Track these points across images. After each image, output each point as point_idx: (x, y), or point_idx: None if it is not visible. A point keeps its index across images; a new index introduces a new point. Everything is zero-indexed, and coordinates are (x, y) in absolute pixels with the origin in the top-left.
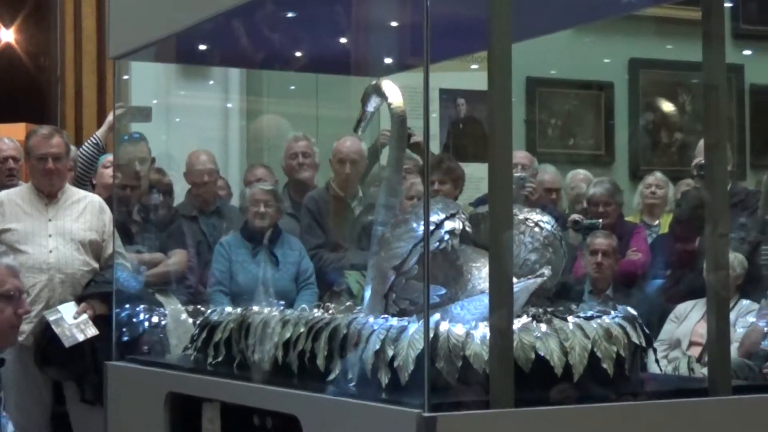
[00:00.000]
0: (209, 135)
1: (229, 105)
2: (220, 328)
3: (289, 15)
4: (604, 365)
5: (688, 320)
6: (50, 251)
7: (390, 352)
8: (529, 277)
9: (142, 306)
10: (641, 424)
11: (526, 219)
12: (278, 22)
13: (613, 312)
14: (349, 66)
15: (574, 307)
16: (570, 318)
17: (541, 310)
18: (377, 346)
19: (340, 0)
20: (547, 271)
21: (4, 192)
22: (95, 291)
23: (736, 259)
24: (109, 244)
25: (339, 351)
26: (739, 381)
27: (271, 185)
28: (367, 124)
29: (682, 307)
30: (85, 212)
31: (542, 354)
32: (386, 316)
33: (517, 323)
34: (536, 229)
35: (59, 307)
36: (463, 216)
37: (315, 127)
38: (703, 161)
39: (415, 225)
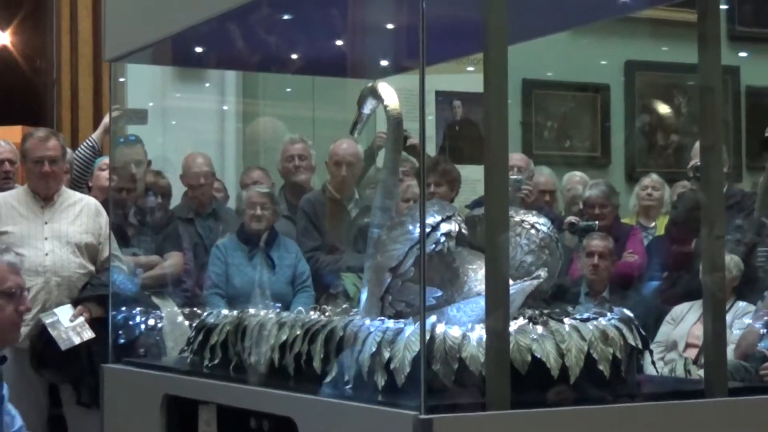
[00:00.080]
0: (205, 137)
1: (225, 107)
2: (216, 331)
3: (285, 17)
4: (601, 367)
5: (685, 322)
6: (46, 254)
7: (386, 354)
8: (526, 279)
9: (138, 308)
10: (638, 426)
11: (522, 221)
12: (274, 25)
13: (609, 314)
14: (345, 68)
15: (570, 309)
16: (566, 320)
17: (537, 312)
18: (374, 349)
19: (336, 2)
20: (543, 273)
21: (0, 195)
22: (91, 294)
23: (732, 260)
24: (105, 247)
25: (335, 353)
26: (735, 383)
27: (267, 188)
28: (363, 127)
29: (678, 309)
30: (81, 215)
31: (538, 356)
32: (382, 318)
33: (514, 325)
34: (532, 231)
35: (55, 310)
36: (459, 218)
37: (311, 129)
38: (699, 163)
39: (411, 227)
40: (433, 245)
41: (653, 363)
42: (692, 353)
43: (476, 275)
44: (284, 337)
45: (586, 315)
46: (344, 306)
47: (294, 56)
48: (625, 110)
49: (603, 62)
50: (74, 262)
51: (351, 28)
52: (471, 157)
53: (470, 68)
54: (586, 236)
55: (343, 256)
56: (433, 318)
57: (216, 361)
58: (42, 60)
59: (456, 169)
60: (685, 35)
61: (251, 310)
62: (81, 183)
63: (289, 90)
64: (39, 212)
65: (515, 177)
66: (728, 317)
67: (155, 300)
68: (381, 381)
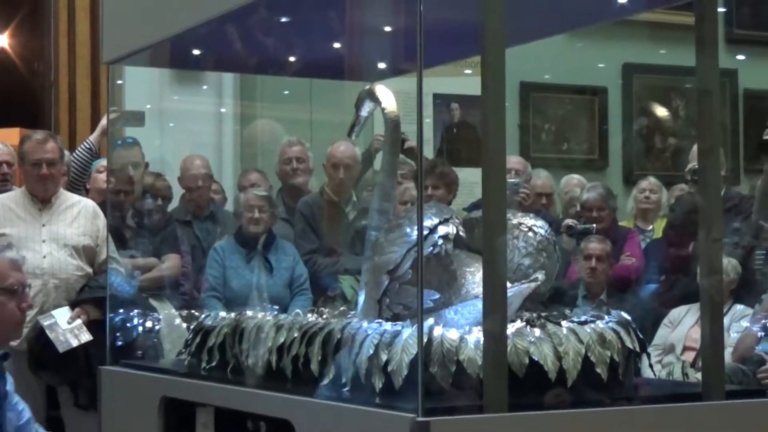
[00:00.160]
0: (203, 140)
1: (223, 110)
2: (213, 333)
3: (283, 20)
4: (598, 370)
5: (682, 325)
6: (44, 256)
7: (384, 357)
8: (523, 281)
9: (135, 311)
10: (635, 428)
11: (520, 224)
12: (272, 27)
13: (606, 317)
14: (342, 71)
15: (567, 311)
16: (564, 323)
17: (534, 314)
18: (371, 351)
19: (334, 5)
20: (540, 275)
21: None
22: (89, 296)
23: (729, 263)
24: (102, 249)
25: (332, 355)
26: (732, 386)
27: (265, 190)
28: (360, 129)
29: (676, 312)
30: (78, 217)
31: (536, 359)
32: (380, 320)
33: (511, 328)
34: (530, 233)
35: (53, 312)
36: (456, 221)
37: (309, 131)
38: (696, 166)
39: (408, 230)
40: (431, 248)
41: (651, 366)
42: (690, 356)
43: (474, 278)
44: (282, 340)
45: (583, 318)
46: (342, 308)
47: (291, 59)
48: (622, 113)
49: (601, 65)
50: (72, 265)
51: (349, 30)
52: (469, 160)
53: (468, 71)
54: (584, 239)
55: (341, 259)
56: (430, 320)
57: (213, 364)
58: (39, 62)
59: (453, 172)
60: (683, 38)
61: (249, 313)
62: (78, 185)
63: (286, 92)
64: (37, 214)
65: (513, 180)
66: (726, 320)
67: (153, 302)
68: (378, 383)
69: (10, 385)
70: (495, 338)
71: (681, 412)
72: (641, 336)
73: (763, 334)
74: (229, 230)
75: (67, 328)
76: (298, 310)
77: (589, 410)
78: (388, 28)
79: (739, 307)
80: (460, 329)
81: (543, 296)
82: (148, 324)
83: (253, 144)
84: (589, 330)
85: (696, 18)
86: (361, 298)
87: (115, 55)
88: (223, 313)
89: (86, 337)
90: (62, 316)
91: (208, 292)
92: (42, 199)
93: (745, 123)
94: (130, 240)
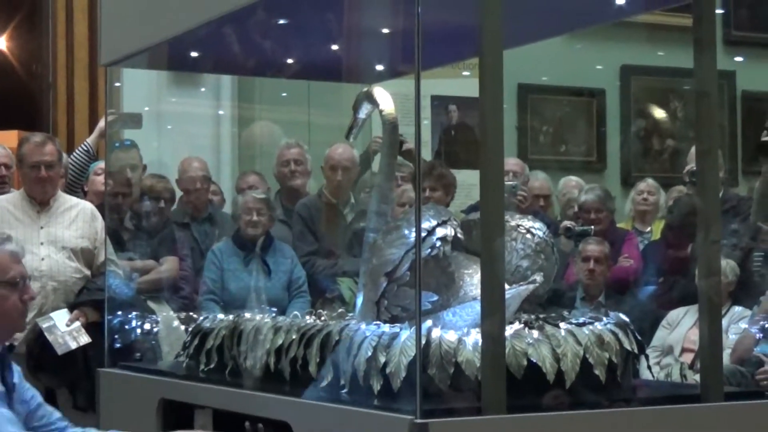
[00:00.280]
0: (201, 142)
1: (221, 112)
2: (212, 335)
3: (281, 22)
4: (596, 372)
5: (681, 326)
6: (42, 259)
7: (382, 359)
8: (521, 283)
9: (134, 313)
10: (634, 430)
11: (518, 225)
12: (270, 29)
13: (605, 318)
14: (340, 73)
15: (566, 313)
16: (562, 324)
17: (533, 316)
18: (369, 353)
19: (332, 7)
20: (539, 277)
21: None
22: (87, 298)
23: (728, 265)
24: (101, 252)
25: (329, 357)
26: (731, 387)
27: (263, 193)
28: (358, 131)
29: (674, 314)
30: (77, 219)
31: (534, 360)
32: (378, 322)
33: (509, 330)
34: (528, 235)
35: (52, 315)
36: (454, 223)
37: (307, 133)
38: (694, 168)
39: (406, 232)
40: (429, 250)
41: (649, 368)
42: (688, 358)
43: (472, 280)
44: (280, 342)
45: (581, 319)
46: (340, 310)
47: (289, 61)
48: (620, 115)
49: (599, 67)
50: (70, 267)
51: (347, 32)
52: (467, 162)
53: (466, 73)
54: (582, 241)
55: (339, 261)
56: (428, 322)
57: (212, 366)
58: (38, 64)
59: (451, 174)
60: (681, 40)
61: (247, 315)
62: (76, 187)
63: (284, 94)
64: (35, 217)
65: (511, 183)
66: (724, 322)
67: (151, 304)
68: (377, 385)
69: (18, 376)
70: (493, 340)
71: (679, 414)
72: (639, 338)
73: (761, 335)
74: (227, 232)
75: (65, 330)
76: (296, 312)
77: (587, 412)
78: (385, 30)
79: (737, 308)
80: (459, 331)
81: (541, 298)
82: (147, 326)
83: (251, 146)
84: (587, 332)
85: (694, 20)
86: (360, 300)
87: (113, 57)
88: (221, 315)
89: (85, 339)
90: (61, 318)
91: (205, 295)
92: (40, 202)
93: (743, 125)
94: (128, 242)
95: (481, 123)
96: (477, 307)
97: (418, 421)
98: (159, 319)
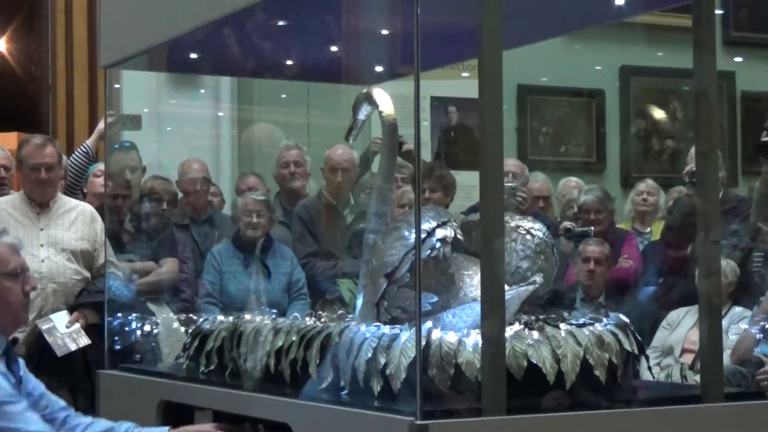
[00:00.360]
0: (200, 143)
1: (220, 113)
2: (212, 337)
3: (280, 23)
4: (597, 372)
5: (681, 327)
6: (42, 261)
7: (382, 360)
8: (521, 284)
9: (134, 315)
10: (634, 431)
11: (518, 226)
12: (269, 31)
13: (605, 319)
14: (340, 74)
15: (566, 314)
16: (562, 325)
17: (533, 317)
18: (369, 354)
19: (331, 8)
20: (538, 278)
21: None
22: (87, 300)
23: (728, 266)
24: (100, 253)
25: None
26: (731, 388)
27: (263, 194)
28: (358, 133)
29: (674, 314)
30: (76, 221)
31: (534, 361)
32: (378, 324)
33: (509, 331)
34: (528, 236)
35: (51, 316)
36: (454, 224)
37: (306, 135)
38: (694, 168)
39: (406, 233)
40: (429, 251)
41: (649, 368)
42: (688, 358)
43: (472, 281)
44: (280, 343)
45: (582, 320)
46: (340, 312)
47: (289, 62)
48: (620, 115)
49: (598, 67)
50: (70, 269)
51: (346, 34)
52: (466, 163)
53: (465, 74)
54: (582, 242)
55: (339, 262)
56: (428, 324)
57: (212, 367)
58: (37, 67)
59: (451, 175)
60: (681, 40)
61: (247, 316)
62: (75, 189)
63: (284, 96)
64: (35, 219)
65: (511, 184)
66: (724, 322)
67: (151, 306)
68: (377, 386)
69: (23, 369)
70: (493, 341)
71: (680, 415)
72: (640, 338)
73: (761, 336)
74: (227, 234)
75: (65, 332)
76: (296, 314)
77: (587, 413)
78: (385, 32)
79: (737, 309)
80: (459, 332)
81: (541, 299)
82: (147, 328)
83: (250, 148)
84: (587, 333)
85: (693, 20)
86: (359, 302)
87: (112, 59)
88: (221, 317)
89: (84, 341)
90: (60, 320)
91: (204, 298)
92: (40, 204)
93: (743, 125)
94: (127, 244)
95: (481, 124)
96: (477, 308)
97: (418, 422)
98: (159, 320)
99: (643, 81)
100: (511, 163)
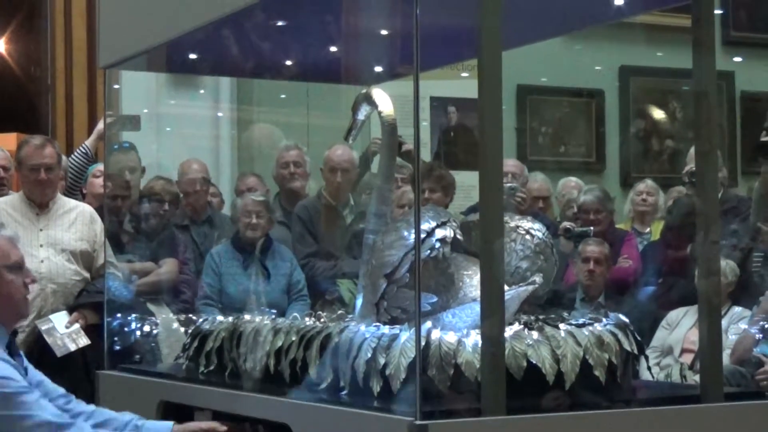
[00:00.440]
0: (200, 144)
1: (220, 114)
2: (211, 337)
3: (280, 24)
4: (596, 372)
5: (680, 327)
6: (41, 261)
7: (381, 360)
8: (521, 284)
9: (133, 315)
10: (633, 431)
11: (518, 227)
12: (268, 31)
13: (604, 319)
14: (339, 74)
15: (565, 314)
16: (562, 325)
17: (532, 317)
18: (369, 355)
19: (331, 9)
20: (538, 278)
21: None
22: (87, 300)
23: (727, 266)
24: (100, 254)
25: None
26: (731, 388)
27: (262, 195)
28: (357, 133)
29: (674, 314)
30: (76, 222)
31: (534, 361)
32: (378, 324)
33: (509, 331)
34: (527, 236)
35: (51, 317)
36: (454, 224)
37: (306, 135)
38: (694, 168)
39: (406, 233)
40: (428, 251)
41: (649, 368)
42: (688, 358)
43: (471, 281)
44: (279, 343)
45: (581, 320)
46: (339, 312)
47: (288, 62)
48: (619, 116)
49: (597, 67)
50: (69, 269)
51: (345, 34)
52: (466, 163)
53: (465, 74)
54: (582, 242)
55: (339, 263)
56: (428, 324)
57: (211, 368)
58: (36, 67)
59: (450, 175)
60: (680, 40)
61: (247, 317)
62: (74, 190)
63: (283, 96)
64: (34, 219)
65: (510, 185)
66: (724, 322)
67: (150, 306)
68: (376, 387)
69: (25, 360)
70: (493, 341)
71: (679, 415)
72: (639, 338)
73: (761, 336)
74: (226, 234)
75: (64, 332)
76: (295, 314)
77: (587, 413)
78: (384, 32)
79: (737, 309)
80: (458, 332)
81: (541, 299)
82: (146, 328)
83: (250, 148)
84: (587, 333)
85: (693, 20)
86: (359, 302)
87: (111, 59)
88: (220, 317)
89: (84, 341)
90: (60, 320)
91: (202, 300)
92: (39, 204)
93: (743, 125)
94: (127, 244)
95: (480, 124)
96: (476, 308)
97: (418, 422)
98: (158, 321)
99: (642, 81)
100: (510, 164)
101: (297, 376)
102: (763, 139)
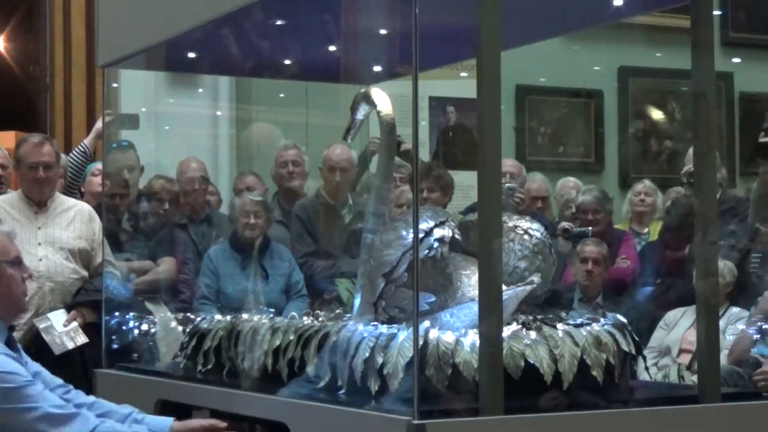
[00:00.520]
0: (198, 143)
1: (219, 113)
2: (209, 336)
3: (279, 23)
4: (594, 373)
5: (678, 327)
6: (40, 259)
7: (379, 360)
8: (519, 284)
9: (131, 314)
10: (631, 431)
11: (516, 227)
12: (267, 30)
13: (602, 319)
14: (338, 74)
15: (563, 314)
16: (559, 325)
17: (530, 317)
18: (367, 354)
19: (330, 8)
20: (536, 278)
21: None
22: (85, 299)
23: (725, 266)
24: (98, 253)
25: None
26: (728, 388)
27: (260, 195)
28: (356, 132)
29: (671, 315)
30: (74, 220)
31: (532, 361)
32: (376, 323)
33: (507, 331)
34: (525, 236)
35: (49, 315)
36: (452, 224)
37: (304, 135)
38: (692, 169)
39: (404, 233)
40: (427, 251)
41: (647, 369)
42: (686, 359)
43: (470, 281)
44: (277, 343)
45: (579, 321)
46: (338, 311)
47: (287, 62)
48: (618, 116)
49: (596, 68)
50: (68, 268)
51: (344, 33)
52: (464, 163)
53: (464, 74)
54: (580, 242)
55: (337, 262)
56: (426, 323)
57: (209, 367)
58: (35, 66)
59: (449, 175)
60: (679, 41)
61: (244, 316)
62: (73, 188)
63: (282, 96)
64: (33, 217)
65: (509, 185)
66: (722, 323)
67: (148, 305)
68: (374, 386)
69: (26, 357)
70: (491, 341)
71: (677, 415)
72: (637, 339)
73: (758, 336)
74: (225, 234)
75: (62, 330)
76: (293, 313)
77: (584, 413)
78: (383, 31)
79: (734, 309)
80: (456, 332)
81: (539, 299)
82: (144, 327)
83: (248, 147)
84: (584, 333)
85: (692, 21)
86: (357, 301)
87: (110, 58)
88: (218, 316)
89: (82, 339)
90: (58, 318)
91: (200, 300)
92: (38, 203)
93: (741, 126)
94: (125, 243)
95: (479, 124)
96: (474, 308)
97: (416, 422)
98: (156, 319)
99: (641, 81)
100: (508, 164)
101: (295, 375)
102: (762, 139)
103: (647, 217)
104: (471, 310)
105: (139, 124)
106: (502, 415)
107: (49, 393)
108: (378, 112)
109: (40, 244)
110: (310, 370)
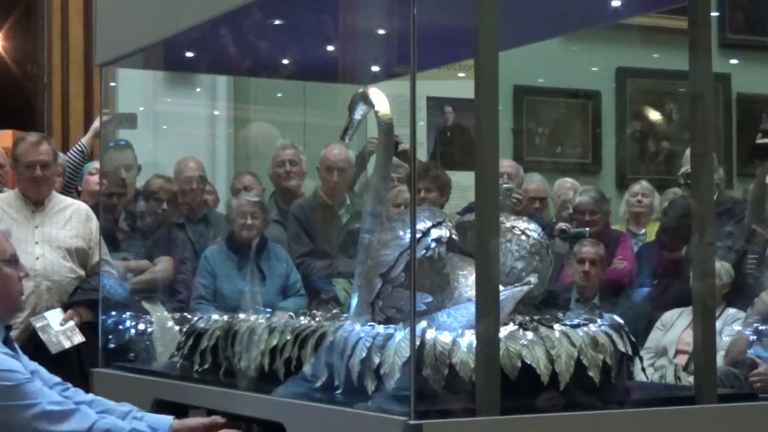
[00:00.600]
0: (196, 142)
1: (216, 112)
2: (206, 336)
3: (276, 23)
4: (591, 373)
5: (675, 328)
6: (37, 258)
7: (376, 360)
8: (516, 285)
9: (128, 313)
10: None
11: (513, 227)
12: (265, 30)
13: (599, 320)
14: (336, 73)
15: (560, 315)
16: (556, 326)
17: (527, 318)
18: (363, 354)
19: (328, 8)
20: (533, 279)
21: None
22: (82, 298)
23: (722, 267)
24: (95, 252)
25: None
26: (725, 389)
27: (258, 195)
28: (354, 132)
29: (668, 315)
30: (71, 220)
31: (528, 362)
32: (373, 323)
33: (504, 331)
34: (523, 237)
35: (46, 314)
36: (449, 224)
37: (302, 134)
38: (689, 170)
39: (401, 233)
40: (424, 251)
41: (643, 369)
42: (682, 359)
43: (467, 281)
44: (274, 342)
45: (576, 321)
46: (335, 311)
47: (285, 61)
48: (616, 117)
49: (594, 69)
50: (65, 267)
51: (342, 33)
52: (462, 163)
53: (461, 74)
54: (577, 242)
55: (334, 262)
56: (423, 323)
57: (206, 366)
58: (33, 65)
59: (446, 175)
60: (677, 42)
61: (241, 316)
62: (70, 187)
63: (280, 95)
64: (30, 216)
65: (507, 186)
66: (718, 324)
67: (145, 305)
68: (371, 386)
69: (25, 358)
70: (488, 341)
71: (673, 416)
72: (634, 339)
73: (755, 337)
74: (222, 233)
75: (59, 329)
76: (290, 313)
77: (581, 414)
78: (381, 31)
79: (731, 310)
80: (453, 332)
81: (536, 299)
82: (141, 326)
83: (246, 147)
84: (581, 333)
85: (689, 22)
86: (354, 301)
87: (108, 57)
88: (215, 316)
89: (78, 338)
90: (55, 317)
91: (196, 300)
92: (35, 201)
93: (739, 127)
94: (122, 242)
95: (477, 124)
96: (471, 308)
97: (412, 422)
98: (153, 319)
99: (639, 82)
100: (506, 164)
101: (292, 375)
102: (759, 141)
103: (644, 218)
104: (468, 311)
105: (137, 123)
106: (498, 416)
107: (48, 390)
108: (376, 112)
109: (37, 242)
110: (306, 369)
